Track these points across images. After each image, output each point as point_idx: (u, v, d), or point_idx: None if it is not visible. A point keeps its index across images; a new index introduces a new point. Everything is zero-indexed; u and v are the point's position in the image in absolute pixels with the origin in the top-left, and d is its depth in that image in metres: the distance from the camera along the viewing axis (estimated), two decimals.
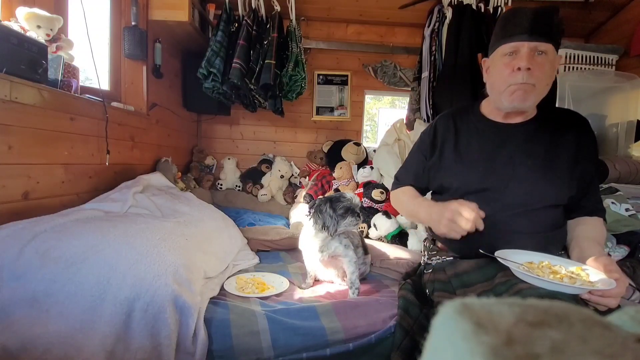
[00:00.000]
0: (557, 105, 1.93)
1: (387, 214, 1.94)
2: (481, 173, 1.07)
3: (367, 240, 1.72)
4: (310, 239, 1.34)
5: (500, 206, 1.04)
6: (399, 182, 1.30)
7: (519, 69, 0.97)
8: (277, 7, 2.19)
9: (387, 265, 1.60)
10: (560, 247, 1.08)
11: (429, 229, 1.28)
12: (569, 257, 1.03)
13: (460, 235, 0.93)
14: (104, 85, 1.75)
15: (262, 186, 2.63)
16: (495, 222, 1.03)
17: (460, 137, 1.15)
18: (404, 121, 2.41)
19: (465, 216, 0.91)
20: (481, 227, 0.91)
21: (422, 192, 1.27)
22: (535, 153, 1.05)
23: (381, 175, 2.29)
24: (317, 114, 2.86)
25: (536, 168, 1.03)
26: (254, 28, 2.17)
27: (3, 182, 1.11)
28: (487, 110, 1.16)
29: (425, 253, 1.26)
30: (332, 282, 1.44)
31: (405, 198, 1.23)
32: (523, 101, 1.01)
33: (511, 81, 0.99)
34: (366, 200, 2.10)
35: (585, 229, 1.05)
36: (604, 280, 0.82)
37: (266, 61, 2.09)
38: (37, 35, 1.21)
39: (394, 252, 1.66)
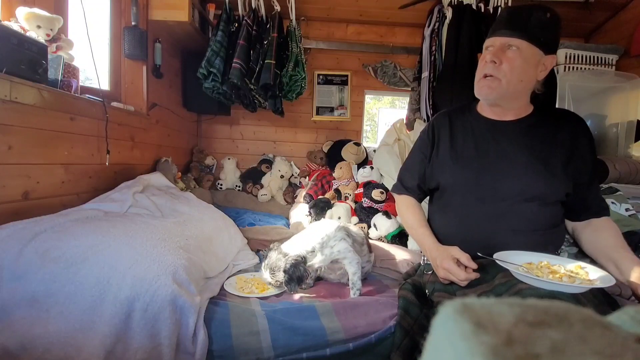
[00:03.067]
0: (557, 105, 1.93)
1: (387, 214, 1.94)
2: (476, 170, 1.08)
3: None
4: None
5: (495, 202, 1.04)
6: (403, 187, 1.28)
7: (486, 61, 1.04)
8: (277, 7, 2.19)
9: (387, 265, 1.60)
10: (558, 245, 1.08)
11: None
12: (596, 265, 0.99)
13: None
14: (104, 85, 1.75)
15: (262, 186, 2.63)
16: (491, 219, 1.03)
17: (456, 135, 1.16)
18: (404, 121, 2.41)
19: (458, 278, 0.96)
20: (474, 277, 0.96)
21: (427, 194, 1.28)
22: (529, 149, 1.06)
23: (381, 175, 2.29)
24: (317, 114, 2.85)
25: (531, 164, 1.04)
26: (254, 28, 2.17)
27: (3, 182, 1.11)
28: (482, 109, 1.17)
29: None
30: (334, 282, 1.44)
31: (410, 219, 1.21)
32: (487, 93, 1.06)
33: (481, 73, 1.06)
34: (366, 200, 2.10)
35: (606, 237, 1.03)
36: (604, 278, 0.82)
37: (266, 61, 2.09)
38: (37, 35, 1.21)
39: (394, 252, 1.66)
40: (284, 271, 1.22)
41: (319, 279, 1.47)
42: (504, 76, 1.02)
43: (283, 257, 1.24)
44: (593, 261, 1.05)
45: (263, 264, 1.29)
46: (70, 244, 1.01)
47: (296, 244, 1.30)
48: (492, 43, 1.06)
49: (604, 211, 1.08)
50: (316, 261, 1.30)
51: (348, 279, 1.34)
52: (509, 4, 1.99)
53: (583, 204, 1.08)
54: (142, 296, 0.94)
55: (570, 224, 1.13)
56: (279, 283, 1.25)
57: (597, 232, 1.06)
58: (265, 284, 1.31)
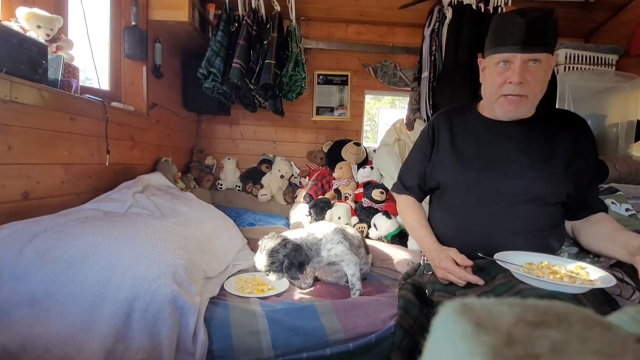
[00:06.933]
0: (557, 105, 1.93)
1: (387, 214, 1.94)
2: (476, 169, 1.07)
3: (367, 241, 1.72)
4: None
5: (496, 203, 1.04)
6: (403, 186, 1.27)
7: (511, 82, 0.97)
8: (277, 7, 2.19)
9: (387, 265, 1.60)
10: (558, 246, 1.08)
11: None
12: (596, 265, 0.99)
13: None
14: (104, 85, 1.75)
15: (262, 186, 2.63)
16: (491, 219, 1.03)
17: (456, 134, 1.15)
18: (404, 121, 2.41)
19: (457, 276, 0.97)
20: (472, 278, 0.96)
21: (427, 194, 1.27)
22: (531, 150, 1.05)
23: (381, 175, 2.29)
24: (317, 114, 2.85)
25: (532, 165, 1.03)
26: (254, 28, 2.17)
27: (3, 182, 1.11)
28: (483, 109, 1.16)
29: None
30: (333, 283, 1.44)
31: (410, 219, 1.21)
32: (516, 112, 1.03)
33: (503, 91, 1.00)
34: (366, 200, 2.10)
35: (607, 225, 1.03)
36: (604, 278, 0.82)
37: (266, 61, 2.09)
38: (37, 35, 1.21)
39: (394, 252, 1.66)
40: (285, 255, 1.18)
41: (317, 280, 1.47)
42: (530, 92, 0.98)
43: (282, 241, 1.21)
44: (593, 261, 1.05)
45: (259, 250, 1.23)
46: (71, 244, 1.01)
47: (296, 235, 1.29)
48: (510, 58, 0.97)
49: (603, 209, 1.09)
50: (313, 262, 1.29)
51: (346, 281, 1.34)
52: (509, 4, 1.99)
53: (583, 203, 1.08)
54: (142, 296, 0.94)
55: (569, 224, 1.13)
56: (274, 267, 1.19)
57: (597, 223, 1.06)
58: (260, 268, 1.24)
